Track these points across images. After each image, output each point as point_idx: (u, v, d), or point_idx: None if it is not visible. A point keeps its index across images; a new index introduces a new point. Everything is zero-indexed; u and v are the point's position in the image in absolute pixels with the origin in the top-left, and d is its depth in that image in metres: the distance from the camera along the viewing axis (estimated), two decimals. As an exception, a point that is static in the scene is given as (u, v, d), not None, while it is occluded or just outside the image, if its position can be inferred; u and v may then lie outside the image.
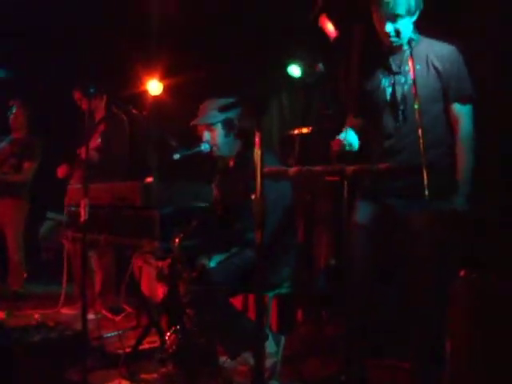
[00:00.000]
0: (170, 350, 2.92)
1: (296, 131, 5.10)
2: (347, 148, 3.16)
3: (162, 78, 6.30)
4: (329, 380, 3.49)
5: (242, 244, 3.51)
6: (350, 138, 3.19)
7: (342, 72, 5.19)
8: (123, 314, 5.11)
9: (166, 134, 4.21)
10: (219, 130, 3.72)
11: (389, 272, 3.42)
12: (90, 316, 5.10)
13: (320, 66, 2.99)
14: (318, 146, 5.10)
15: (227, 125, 3.71)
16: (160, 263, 4.71)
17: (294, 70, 5.84)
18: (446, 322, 3.03)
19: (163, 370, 3.53)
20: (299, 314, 4.60)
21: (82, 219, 3.28)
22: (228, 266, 3.47)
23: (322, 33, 5.00)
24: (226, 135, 3.73)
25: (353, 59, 5.07)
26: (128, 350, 3.90)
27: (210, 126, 3.72)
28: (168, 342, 2.97)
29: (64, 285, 5.47)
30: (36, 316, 4.41)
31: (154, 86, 6.26)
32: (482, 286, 2.59)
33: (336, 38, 4.85)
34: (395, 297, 3.57)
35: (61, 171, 5.41)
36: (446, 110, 3.17)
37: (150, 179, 3.52)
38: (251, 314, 3.88)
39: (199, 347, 2.94)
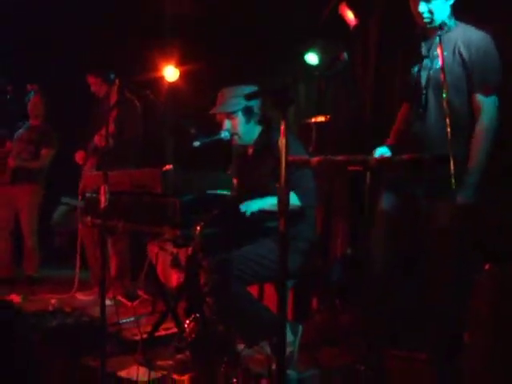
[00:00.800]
0: (189, 339, 2.91)
1: (313, 119, 5.09)
2: None
3: (178, 65, 6.30)
4: (346, 369, 3.48)
5: (262, 233, 3.50)
6: (381, 152, 3.16)
7: (360, 58, 5.20)
8: (138, 300, 5.10)
9: (186, 121, 4.20)
10: (240, 118, 3.69)
11: (410, 261, 3.39)
12: (106, 302, 5.16)
13: (344, 54, 2.94)
14: (335, 135, 5.11)
15: (247, 113, 3.69)
16: (175, 250, 4.75)
17: (312, 58, 5.83)
18: (464, 315, 3.02)
19: (179, 356, 3.54)
20: (314, 303, 4.60)
21: (102, 205, 3.26)
22: (247, 255, 3.45)
23: (341, 21, 4.99)
24: (247, 123, 3.71)
25: (370, 48, 5.07)
26: (144, 336, 3.92)
27: (230, 115, 3.70)
28: (187, 329, 2.96)
29: (77, 270, 5.47)
30: (52, 301, 4.42)
31: (171, 72, 6.26)
32: (505, 279, 2.56)
33: (356, 26, 4.84)
34: (414, 287, 3.54)
35: (79, 157, 5.43)
36: (469, 100, 3.08)
37: (169, 166, 3.50)
38: (267, 303, 3.87)
39: (218, 336, 2.93)
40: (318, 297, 4.56)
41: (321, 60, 5.78)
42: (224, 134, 3.70)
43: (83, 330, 3.95)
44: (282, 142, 2.45)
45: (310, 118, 5.14)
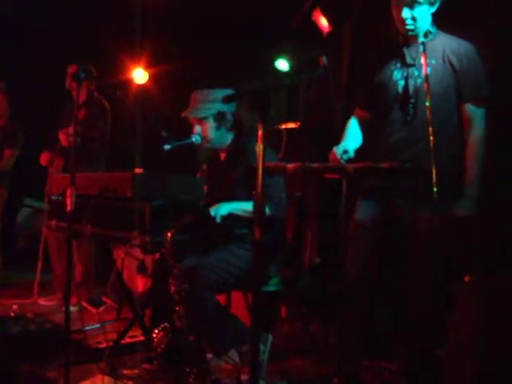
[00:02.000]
0: (159, 349, 2.82)
1: (283, 126, 5.04)
2: (344, 158, 3.07)
3: (147, 67, 6.23)
4: (319, 381, 3.44)
5: (231, 240, 3.44)
6: (346, 146, 3.11)
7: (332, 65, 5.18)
8: (103, 307, 4.99)
9: (157, 124, 4.13)
10: (210, 123, 3.62)
11: (386, 271, 3.36)
12: (70, 308, 5.03)
13: (324, 59, 2.90)
14: (305, 141, 5.07)
15: (219, 118, 3.62)
16: (141, 256, 4.65)
17: (282, 64, 5.80)
18: (438, 328, 3.01)
19: (146, 366, 3.45)
20: (283, 312, 4.55)
21: (68, 209, 3.16)
22: (216, 263, 3.39)
23: (314, 27, 4.96)
24: (218, 128, 3.64)
25: (344, 54, 5.05)
26: (109, 344, 3.82)
27: (201, 119, 3.63)
28: (156, 339, 2.87)
29: (38, 274, 5.33)
30: (14, 307, 4.28)
31: (140, 75, 6.18)
32: (486, 290, 2.53)
33: (329, 33, 4.80)
34: (389, 296, 3.51)
35: (44, 158, 5.29)
36: (459, 110, 3.09)
37: (139, 170, 3.41)
38: (234, 311, 3.80)
39: (188, 346, 2.85)
40: (286, 306, 4.52)
41: (291, 66, 5.76)
42: (195, 138, 3.64)
43: (46, 336, 3.84)
44: (259, 147, 2.39)
45: (280, 124, 5.09)
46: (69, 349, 3.23)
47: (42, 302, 5.28)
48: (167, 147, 3.53)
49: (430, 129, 2.66)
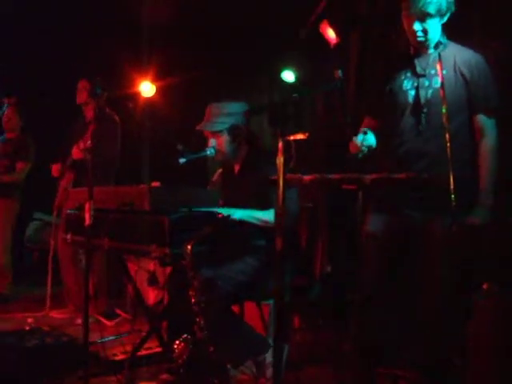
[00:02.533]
0: (180, 360, 2.85)
1: (292, 137, 5.07)
2: (365, 150, 3.11)
3: (154, 80, 6.26)
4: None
5: (246, 251, 3.47)
6: (369, 140, 3.13)
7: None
8: (117, 319, 5.01)
9: (167, 137, 4.15)
10: (225, 137, 3.65)
11: (402, 280, 3.38)
12: (80, 321, 5.06)
13: (339, 72, 2.93)
14: (314, 153, 5.11)
15: (233, 131, 3.65)
16: (152, 268, 4.67)
17: (288, 76, 5.85)
18: (456, 336, 3.03)
19: (163, 377, 3.48)
20: (296, 322, 4.57)
21: (87, 223, 3.20)
22: (231, 274, 3.41)
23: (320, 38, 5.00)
24: (232, 141, 3.66)
25: (351, 65, 5.10)
26: (125, 356, 3.86)
27: (216, 133, 3.66)
28: (177, 350, 2.89)
29: (49, 287, 5.34)
30: (29, 320, 4.31)
31: (147, 88, 6.21)
32: (504, 298, 2.57)
33: (336, 45, 4.85)
34: (404, 305, 3.53)
35: (55, 169, 5.32)
36: (470, 121, 3.12)
37: (156, 183, 3.45)
38: (247, 321, 3.83)
39: (209, 356, 2.88)
40: (300, 315, 4.54)
41: (297, 77, 5.81)
42: (210, 151, 3.67)
43: (63, 349, 3.87)
44: (279, 159, 2.44)
45: (289, 135, 5.12)
46: (88, 361, 3.28)
47: (54, 314, 5.28)
48: (182, 160, 3.56)
49: (447, 135, 2.68)
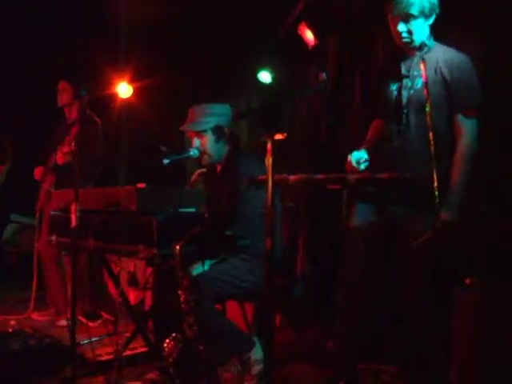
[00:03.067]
0: (171, 359, 2.89)
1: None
2: (362, 167, 3.18)
3: (131, 81, 6.26)
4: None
5: (233, 251, 3.51)
6: (358, 156, 3.21)
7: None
8: (100, 321, 5.01)
9: (152, 139, 4.17)
10: (209, 137, 3.70)
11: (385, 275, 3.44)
12: (63, 322, 5.05)
13: (324, 75, 2.99)
14: (293, 153, 5.16)
15: (217, 131, 3.70)
16: (132, 268, 4.69)
17: (265, 76, 5.90)
18: (437, 330, 3.10)
19: (149, 376, 3.52)
20: (277, 320, 4.62)
21: (73, 224, 3.21)
22: (214, 274, 3.46)
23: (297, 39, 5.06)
24: (216, 141, 3.72)
25: (329, 66, 5.16)
26: (109, 356, 3.87)
27: (200, 133, 3.71)
28: (167, 349, 2.93)
29: (34, 289, 5.29)
30: (12, 322, 4.30)
31: (124, 89, 6.21)
32: (487, 293, 2.64)
33: (314, 46, 4.90)
34: (386, 300, 3.60)
35: (37, 173, 5.30)
36: (450, 120, 3.14)
37: (141, 185, 3.47)
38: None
39: (199, 355, 2.92)
40: (281, 313, 4.59)
41: (274, 78, 5.86)
42: (193, 152, 3.72)
43: (46, 351, 3.87)
44: (268, 161, 2.49)
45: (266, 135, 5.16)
46: (75, 362, 3.30)
47: (35, 317, 5.23)
48: (166, 161, 3.59)
49: (430, 134, 2.73)
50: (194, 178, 5.26)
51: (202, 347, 2.94)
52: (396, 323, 3.44)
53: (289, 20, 5.09)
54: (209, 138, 3.70)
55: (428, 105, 2.78)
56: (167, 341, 2.97)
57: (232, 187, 3.62)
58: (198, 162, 4.19)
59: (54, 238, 3.86)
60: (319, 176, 2.88)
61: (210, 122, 3.69)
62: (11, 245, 6.79)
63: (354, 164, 3.17)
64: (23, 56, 6.52)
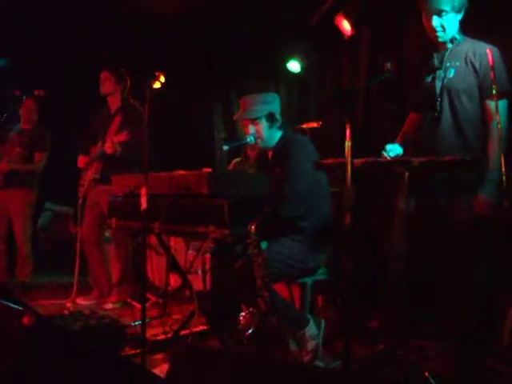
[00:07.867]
0: (246, 332, 3.06)
1: (305, 125, 5.27)
2: (390, 155, 3.36)
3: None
4: (373, 359, 3.68)
5: (293, 232, 3.69)
6: (397, 151, 3.42)
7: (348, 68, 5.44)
8: (149, 303, 5.16)
9: (213, 126, 4.32)
10: (263, 124, 3.89)
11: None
12: (108, 305, 5.22)
13: (388, 64, 3.15)
14: (327, 140, 5.31)
15: (270, 118, 3.89)
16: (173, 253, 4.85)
17: (293, 66, 6.06)
18: (490, 306, 3.29)
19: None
20: (319, 300, 4.78)
21: (143, 207, 3.34)
22: (272, 255, 3.60)
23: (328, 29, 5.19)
24: (270, 128, 3.90)
25: (362, 58, 5.32)
26: (165, 336, 4.06)
27: (254, 120, 3.89)
28: (242, 323, 3.11)
29: (76, 274, 5.38)
30: (68, 305, 4.44)
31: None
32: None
33: (351, 37, 5.07)
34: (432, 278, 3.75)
35: (82, 161, 5.46)
36: (481, 107, 3.35)
37: (207, 169, 3.63)
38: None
39: (274, 328, 3.09)
40: (324, 295, 4.75)
41: (302, 67, 6.00)
42: (249, 139, 3.90)
43: (107, 330, 4.02)
44: (347, 144, 2.65)
45: (302, 123, 5.32)
46: (144, 339, 3.46)
47: (80, 301, 5.36)
48: (226, 147, 3.80)
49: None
50: (231, 166, 5.44)
51: (275, 320, 3.11)
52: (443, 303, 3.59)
53: (321, 10, 5.28)
54: (263, 125, 3.89)
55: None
56: (243, 314, 3.14)
57: (283, 170, 3.78)
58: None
59: (113, 221, 4.01)
60: (384, 159, 3.06)
61: (264, 109, 3.88)
62: (46, 232, 6.96)
63: (385, 153, 3.37)
64: (60, 48, 6.64)
